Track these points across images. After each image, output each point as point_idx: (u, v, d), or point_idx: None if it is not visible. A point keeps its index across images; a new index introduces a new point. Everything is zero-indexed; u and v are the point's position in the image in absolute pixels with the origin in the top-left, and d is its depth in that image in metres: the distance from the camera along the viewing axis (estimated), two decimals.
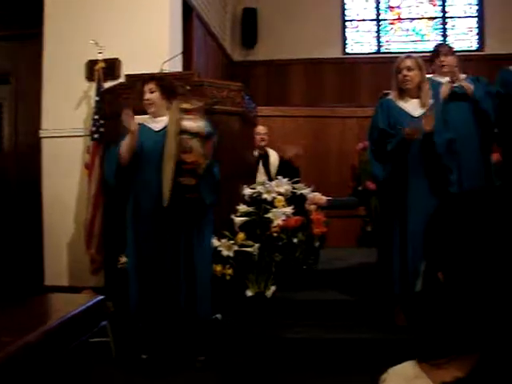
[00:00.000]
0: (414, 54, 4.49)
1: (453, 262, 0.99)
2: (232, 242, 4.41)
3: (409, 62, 4.25)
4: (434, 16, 9.78)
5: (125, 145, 4.04)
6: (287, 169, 6.06)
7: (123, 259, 4.31)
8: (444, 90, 4.72)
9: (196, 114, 4.02)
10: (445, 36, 9.66)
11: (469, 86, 4.74)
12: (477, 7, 9.54)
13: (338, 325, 4.42)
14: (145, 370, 3.97)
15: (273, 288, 4.46)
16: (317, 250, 5.03)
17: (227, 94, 4.71)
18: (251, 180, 5.07)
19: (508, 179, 4.88)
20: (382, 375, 1.03)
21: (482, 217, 0.98)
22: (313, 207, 4.95)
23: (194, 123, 3.96)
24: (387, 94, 4.66)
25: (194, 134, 3.93)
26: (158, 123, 4.12)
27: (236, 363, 4.06)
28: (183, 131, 3.94)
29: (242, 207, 4.58)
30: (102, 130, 5.19)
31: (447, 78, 4.77)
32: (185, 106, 4.02)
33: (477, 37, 9.50)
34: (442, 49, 5.06)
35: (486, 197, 1.02)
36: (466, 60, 6.48)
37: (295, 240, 4.62)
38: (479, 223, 0.97)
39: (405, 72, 4.24)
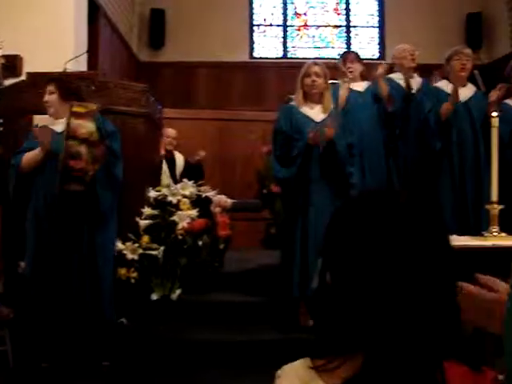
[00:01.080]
0: (320, 61, 4.62)
1: (338, 263, 1.02)
2: (137, 245, 4.35)
3: (317, 68, 4.36)
4: (338, 24, 10.06)
5: (31, 159, 3.92)
6: (192, 171, 6.05)
7: (22, 264, 4.15)
8: (342, 95, 4.88)
9: (87, 118, 3.91)
10: (349, 44, 9.96)
11: (385, 89, 4.91)
12: (378, 18, 9.90)
13: (242, 326, 4.46)
14: (45, 379, 3.84)
15: (178, 291, 4.44)
16: (222, 253, 5.05)
17: (132, 95, 4.64)
18: (156, 182, 5.03)
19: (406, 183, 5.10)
20: (277, 371, 1.05)
21: (370, 220, 1.00)
22: (218, 210, 4.97)
23: (83, 128, 3.86)
24: (291, 99, 4.76)
25: (83, 140, 3.84)
26: (59, 125, 4.01)
27: (141, 367, 4.01)
28: (71, 136, 3.84)
29: (147, 210, 4.53)
30: (0, 129, 4.98)
31: (345, 83, 4.95)
32: (76, 109, 3.91)
33: (378, 46, 9.86)
34: (348, 56, 5.24)
35: (378, 200, 1.05)
36: (368, 68, 6.71)
37: (200, 243, 4.62)
38: (365, 226, 1.00)
39: (314, 77, 4.34)
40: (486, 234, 3.21)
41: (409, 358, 0.94)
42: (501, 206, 3.24)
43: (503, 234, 3.17)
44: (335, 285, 1.02)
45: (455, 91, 4.57)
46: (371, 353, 0.96)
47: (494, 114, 3.33)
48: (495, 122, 3.28)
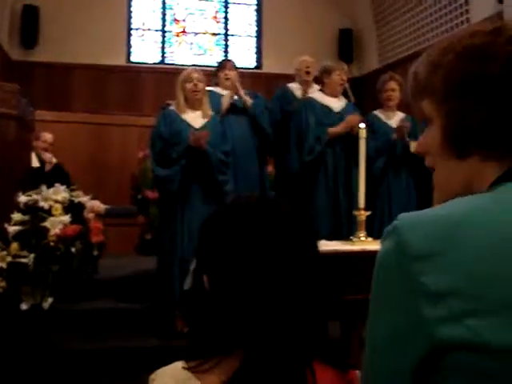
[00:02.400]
0: (198, 68, 4.67)
1: (213, 265, 1.05)
2: (5, 252, 4.16)
3: (197, 74, 4.41)
4: (216, 32, 10.16)
5: None
6: (58, 175, 5.88)
7: None
8: (224, 103, 4.96)
9: None
10: (226, 52, 10.08)
11: (248, 100, 5.02)
12: (256, 28, 10.11)
13: (118, 334, 4.39)
14: None
15: (50, 299, 4.28)
16: (96, 259, 4.94)
17: (2, 96, 4.44)
18: (27, 187, 4.82)
19: (280, 190, 5.25)
20: (151, 375, 1.06)
21: (242, 225, 1.04)
22: (91, 215, 4.85)
23: None
24: (170, 105, 4.77)
25: None
26: None
27: (14, 380, 3.84)
28: None
29: (17, 215, 4.33)
30: None
31: (228, 92, 5.02)
32: None
33: (255, 55, 10.06)
34: (227, 63, 5.32)
35: (250, 205, 1.08)
36: (245, 77, 6.85)
37: (73, 249, 4.49)
38: (237, 231, 1.04)
39: (196, 82, 4.38)
40: (353, 239, 3.38)
41: (281, 357, 0.98)
42: (368, 213, 3.42)
43: (370, 239, 3.35)
44: (210, 287, 1.05)
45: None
46: (249, 353, 0.99)
47: (362, 125, 3.52)
48: (363, 133, 3.47)
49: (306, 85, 5.33)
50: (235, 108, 5.02)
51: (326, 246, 3.06)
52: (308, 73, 5.34)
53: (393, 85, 5.05)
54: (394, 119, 5.06)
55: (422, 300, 0.74)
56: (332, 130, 4.77)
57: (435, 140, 0.91)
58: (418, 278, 0.75)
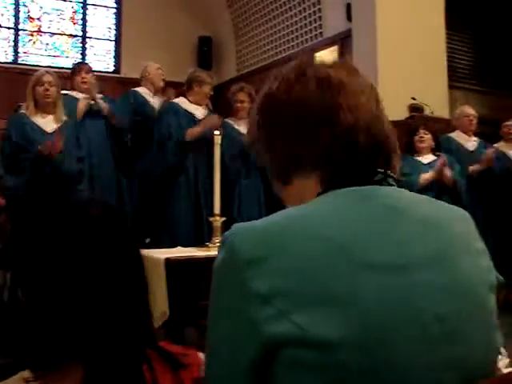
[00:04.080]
0: (52, 70, 4.52)
1: (26, 277, 1.01)
2: None
3: (50, 77, 4.26)
4: (74, 34, 9.86)
5: None
6: None
7: None
8: (80, 107, 4.84)
9: None
10: (84, 55, 9.80)
11: (104, 105, 4.93)
12: (115, 32, 9.93)
13: None
14: None
15: None
16: None
17: None
18: None
19: (140, 196, 5.20)
20: None
21: (46, 235, 1.01)
22: None
23: None
24: (21, 107, 4.58)
25: None
26: None
27: None
28: None
29: None
30: None
31: (84, 95, 4.91)
32: None
33: (113, 60, 9.89)
34: (84, 66, 5.19)
35: (54, 214, 1.05)
36: (103, 81, 6.72)
37: None
38: (42, 241, 1.01)
39: (47, 86, 4.23)
40: (209, 245, 3.43)
41: (117, 362, 0.99)
42: (223, 219, 3.49)
43: None
44: (24, 299, 1.01)
45: None
46: (88, 362, 0.98)
47: (217, 132, 3.60)
48: (218, 139, 3.54)
49: (159, 91, 5.37)
50: (92, 112, 4.91)
51: (179, 252, 3.09)
52: (163, 80, 5.40)
53: (242, 96, 5.14)
54: (243, 127, 5.16)
55: (251, 303, 0.80)
56: (191, 130, 4.80)
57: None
58: (247, 283, 0.81)
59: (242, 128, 5.08)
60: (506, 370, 1.34)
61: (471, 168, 5.43)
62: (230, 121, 5.21)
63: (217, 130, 3.73)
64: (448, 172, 5.01)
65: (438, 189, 4.99)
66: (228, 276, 0.84)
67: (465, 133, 5.76)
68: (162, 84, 5.47)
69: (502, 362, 1.96)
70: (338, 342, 0.78)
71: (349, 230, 0.84)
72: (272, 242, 0.83)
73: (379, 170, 0.95)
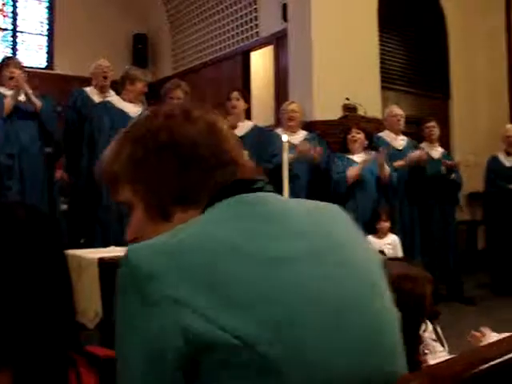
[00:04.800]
0: None
1: None
2: None
3: None
4: (3, 27, 9.57)
5: None
6: None
7: None
8: (7, 103, 4.71)
9: None
10: (15, 50, 9.53)
11: (36, 101, 4.82)
12: (48, 26, 9.70)
13: None
14: None
15: None
16: None
17: None
18: None
19: (73, 196, 5.12)
20: None
21: None
22: None
23: None
24: None
25: None
26: None
27: None
28: None
29: None
30: None
31: (13, 91, 4.78)
32: None
33: (46, 55, 9.65)
34: (12, 61, 5.06)
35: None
36: (35, 77, 6.55)
37: None
38: None
39: None
40: None
41: (42, 366, 0.98)
42: None
43: None
44: None
45: None
46: (17, 367, 0.98)
47: None
48: None
49: (104, 89, 5.28)
50: (21, 109, 4.80)
51: (113, 252, 3.07)
52: (105, 77, 5.28)
53: (178, 93, 5.12)
54: None
55: (162, 314, 0.81)
56: None
57: (141, 220, 1.05)
58: (152, 296, 0.82)
59: None
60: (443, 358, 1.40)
61: (396, 164, 5.58)
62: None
63: None
64: (387, 168, 5.26)
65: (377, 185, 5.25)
66: (131, 292, 0.85)
67: (393, 132, 5.93)
68: (105, 82, 5.35)
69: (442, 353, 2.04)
70: (253, 339, 0.80)
71: (241, 233, 0.89)
72: (170, 253, 0.86)
73: (258, 178, 1.03)
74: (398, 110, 6.02)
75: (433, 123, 6.27)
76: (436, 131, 6.25)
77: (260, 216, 0.94)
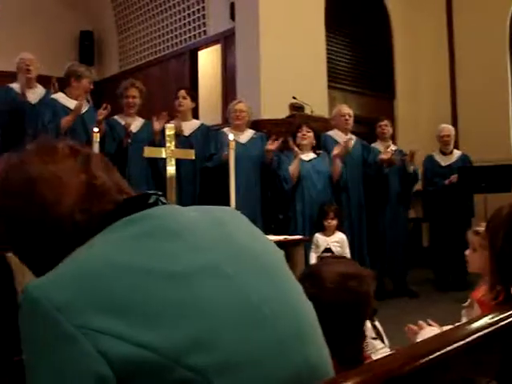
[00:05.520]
0: None
1: None
2: None
3: None
4: None
5: None
6: None
7: None
8: None
9: None
10: None
11: None
12: None
13: None
14: None
15: None
16: None
17: None
18: None
19: None
20: None
21: None
22: None
23: None
24: None
25: None
26: None
27: None
28: None
29: None
30: None
31: None
32: None
33: None
34: None
35: None
36: None
37: None
38: None
39: None
40: None
41: None
42: None
43: None
44: None
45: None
46: None
47: (96, 129, 3.53)
48: (97, 137, 3.48)
49: (29, 82, 5.09)
50: None
51: None
52: (28, 70, 5.07)
53: (133, 91, 5.14)
54: (135, 124, 5.12)
55: (79, 344, 0.79)
56: (64, 119, 4.70)
57: None
58: (64, 325, 0.80)
59: (133, 126, 5.02)
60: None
61: (333, 153, 5.53)
62: (118, 118, 5.13)
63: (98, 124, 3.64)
64: (339, 164, 5.41)
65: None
66: (42, 327, 0.82)
67: (341, 131, 5.99)
68: (29, 75, 5.09)
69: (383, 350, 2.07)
70: (176, 352, 0.81)
71: (140, 251, 0.89)
72: (71, 282, 0.85)
73: (150, 192, 1.02)
74: (346, 109, 6.07)
75: (385, 122, 6.37)
76: (388, 130, 6.36)
77: (160, 232, 0.93)
